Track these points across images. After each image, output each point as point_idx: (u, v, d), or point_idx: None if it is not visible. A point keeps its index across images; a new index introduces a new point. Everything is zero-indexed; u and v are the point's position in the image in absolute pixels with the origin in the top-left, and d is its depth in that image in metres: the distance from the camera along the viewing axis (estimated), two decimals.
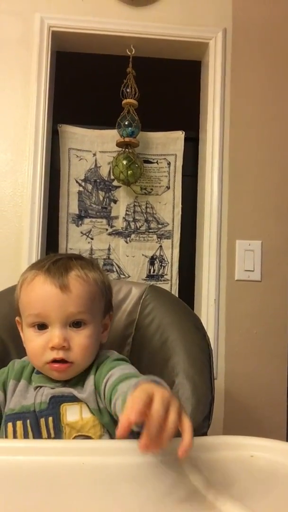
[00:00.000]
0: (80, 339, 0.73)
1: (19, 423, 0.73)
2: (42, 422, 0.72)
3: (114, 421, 0.71)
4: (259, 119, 1.58)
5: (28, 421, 0.72)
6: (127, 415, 0.48)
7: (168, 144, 1.71)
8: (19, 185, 1.49)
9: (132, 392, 0.53)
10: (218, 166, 1.56)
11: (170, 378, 0.82)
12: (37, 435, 0.71)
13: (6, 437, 0.73)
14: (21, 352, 0.85)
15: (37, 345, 0.73)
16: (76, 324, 0.74)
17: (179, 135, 1.71)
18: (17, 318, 0.81)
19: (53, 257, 0.78)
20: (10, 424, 0.73)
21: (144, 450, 0.50)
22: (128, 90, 1.57)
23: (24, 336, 0.77)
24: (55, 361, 0.72)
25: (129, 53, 1.58)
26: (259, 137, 1.58)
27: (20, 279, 0.78)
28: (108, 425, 0.73)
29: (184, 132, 1.71)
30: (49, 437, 0.71)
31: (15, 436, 0.72)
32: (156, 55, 1.67)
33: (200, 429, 0.76)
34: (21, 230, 1.48)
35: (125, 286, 0.98)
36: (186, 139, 1.71)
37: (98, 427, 0.72)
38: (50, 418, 0.72)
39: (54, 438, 0.71)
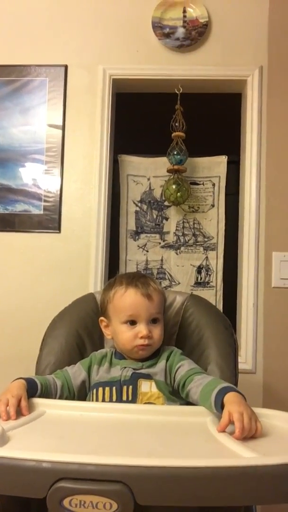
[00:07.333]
0: (157, 331, 1.08)
1: (107, 389, 1.04)
2: (124, 389, 1.03)
3: (173, 394, 1.03)
4: None
5: (114, 387, 1.03)
6: (224, 424, 0.80)
7: (212, 167, 1.95)
8: (87, 208, 1.80)
9: (227, 404, 0.84)
10: (256, 186, 1.77)
11: (205, 365, 1.10)
12: (119, 397, 1.02)
13: (95, 398, 1.04)
14: (92, 344, 1.18)
15: (130, 335, 1.06)
16: (154, 320, 1.07)
17: (222, 159, 1.95)
18: (101, 318, 1.13)
19: (134, 275, 1.13)
20: (100, 389, 1.04)
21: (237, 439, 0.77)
22: (176, 124, 1.83)
23: (116, 329, 1.09)
24: (141, 345, 1.05)
25: (177, 92, 1.84)
26: None
27: (112, 291, 1.10)
28: (168, 397, 1.03)
29: (227, 157, 1.95)
30: (127, 399, 1.02)
31: (103, 397, 1.03)
32: (201, 91, 1.92)
33: None
34: (89, 245, 1.79)
35: (171, 295, 1.25)
36: (229, 162, 1.95)
37: (161, 399, 1.02)
38: (130, 387, 1.03)
39: (131, 400, 1.02)
